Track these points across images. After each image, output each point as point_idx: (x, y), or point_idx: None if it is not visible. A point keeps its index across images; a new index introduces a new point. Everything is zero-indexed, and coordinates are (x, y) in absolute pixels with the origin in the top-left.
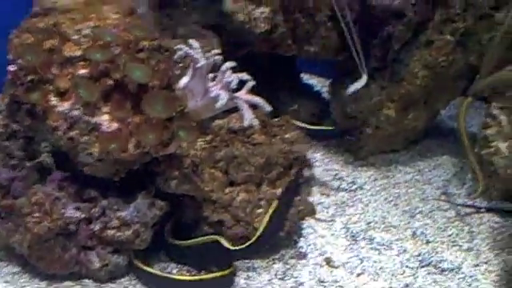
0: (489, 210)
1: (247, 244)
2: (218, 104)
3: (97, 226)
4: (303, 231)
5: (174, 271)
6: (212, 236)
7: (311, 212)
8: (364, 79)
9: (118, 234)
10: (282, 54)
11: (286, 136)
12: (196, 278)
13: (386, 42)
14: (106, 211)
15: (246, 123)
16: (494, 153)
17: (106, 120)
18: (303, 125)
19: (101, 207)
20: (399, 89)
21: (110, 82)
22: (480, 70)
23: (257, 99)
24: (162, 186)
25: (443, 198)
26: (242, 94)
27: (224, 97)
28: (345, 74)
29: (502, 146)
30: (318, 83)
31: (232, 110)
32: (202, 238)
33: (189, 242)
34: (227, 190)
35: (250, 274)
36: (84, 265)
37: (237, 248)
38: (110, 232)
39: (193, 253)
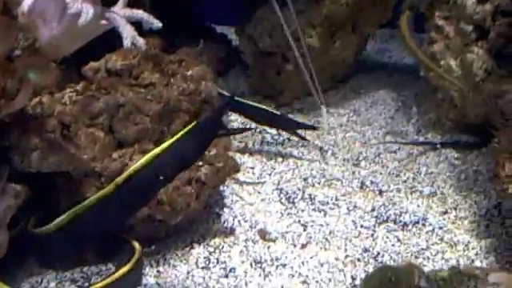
0: (444, 144)
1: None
2: (82, 20)
3: None
4: (226, 200)
5: (52, 285)
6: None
7: (234, 169)
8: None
9: None
10: None
11: (189, 73)
12: None
13: None
14: None
15: (126, 43)
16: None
17: None
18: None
19: None
20: (321, 11)
21: None
22: None
23: (139, 13)
24: (19, 164)
25: (388, 139)
26: (118, 8)
27: (89, 10)
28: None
29: (453, 63)
30: (226, 30)
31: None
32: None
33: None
34: (115, 155)
35: (162, 268)
36: None
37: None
38: None
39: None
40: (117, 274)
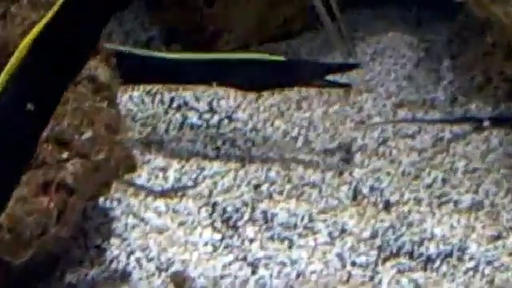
0: (496, 121)
1: None
2: None
3: None
4: (114, 222)
5: None
6: None
7: (127, 167)
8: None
9: None
10: None
11: None
12: None
13: None
14: None
15: None
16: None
17: None
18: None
19: None
20: None
21: None
22: None
23: None
24: None
25: (402, 114)
26: None
27: None
28: None
29: None
30: None
31: None
32: None
33: None
34: None
35: None
36: None
37: None
38: None
39: None
40: None
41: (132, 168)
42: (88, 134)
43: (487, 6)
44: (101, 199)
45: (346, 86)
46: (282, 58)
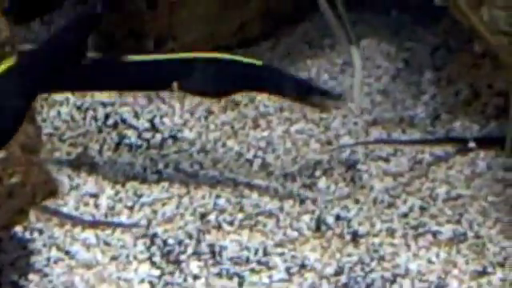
0: (482, 142)
1: None
2: None
3: None
4: (31, 257)
5: None
6: None
7: (47, 191)
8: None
9: None
10: None
11: None
12: None
13: None
14: None
15: None
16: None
17: None
18: None
19: None
20: None
21: None
22: None
23: None
24: None
25: (375, 133)
26: None
27: None
28: None
29: None
30: None
31: None
32: None
33: None
34: None
35: None
36: None
37: None
38: None
39: None
40: None
41: (52, 193)
42: (0, 155)
43: (465, 12)
44: (18, 229)
45: (326, 95)
46: (259, 62)
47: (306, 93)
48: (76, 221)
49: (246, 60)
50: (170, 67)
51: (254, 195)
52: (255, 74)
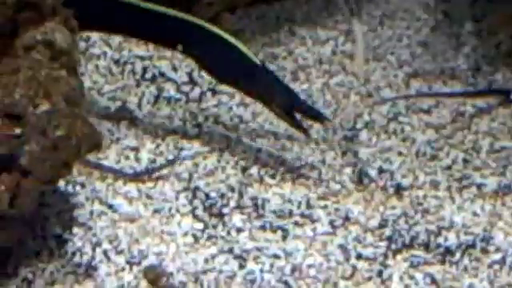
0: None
1: None
2: None
3: None
4: (77, 210)
5: None
6: None
7: (92, 145)
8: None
9: None
10: None
11: None
12: None
13: None
14: None
15: None
16: None
17: None
18: None
19: None
20: None
21: None
22: None
23: None
24: None
25: (416, 85)
26: None
27: None
28: None
29: None
30: None
31: None
32: None
33: None
34: None
35: None
36: None
37: None
38: None
39: None
40: None
41: (97, 147)
42: (44, 107)
43: None
44: (61, 183)
45: (312, 117)
46: (256, 61)
47: (291, 108)
48: (118, 174)
49: (248, 53)
50: (174, 25)
51: (296, 148)
52: (250, 71)
